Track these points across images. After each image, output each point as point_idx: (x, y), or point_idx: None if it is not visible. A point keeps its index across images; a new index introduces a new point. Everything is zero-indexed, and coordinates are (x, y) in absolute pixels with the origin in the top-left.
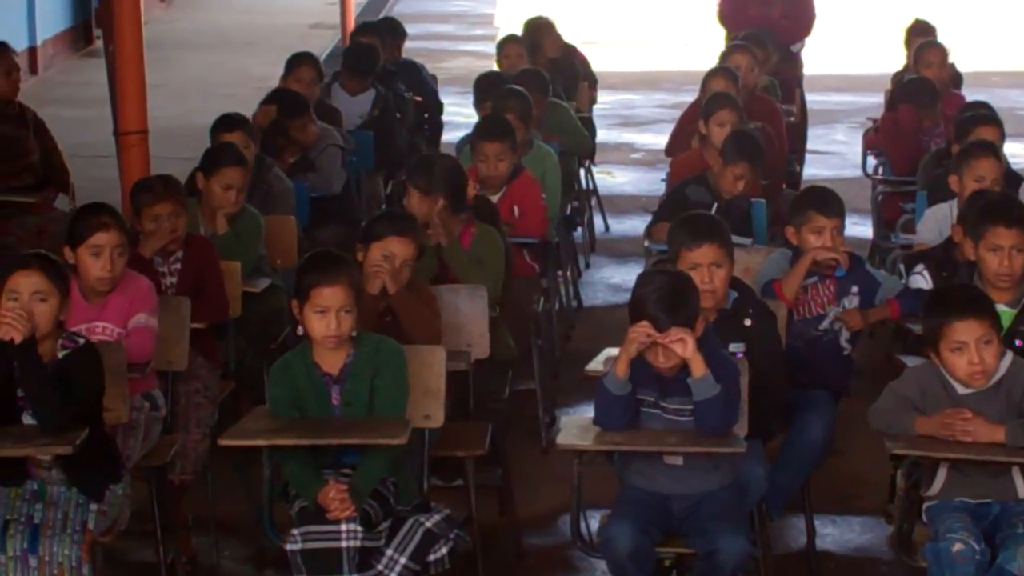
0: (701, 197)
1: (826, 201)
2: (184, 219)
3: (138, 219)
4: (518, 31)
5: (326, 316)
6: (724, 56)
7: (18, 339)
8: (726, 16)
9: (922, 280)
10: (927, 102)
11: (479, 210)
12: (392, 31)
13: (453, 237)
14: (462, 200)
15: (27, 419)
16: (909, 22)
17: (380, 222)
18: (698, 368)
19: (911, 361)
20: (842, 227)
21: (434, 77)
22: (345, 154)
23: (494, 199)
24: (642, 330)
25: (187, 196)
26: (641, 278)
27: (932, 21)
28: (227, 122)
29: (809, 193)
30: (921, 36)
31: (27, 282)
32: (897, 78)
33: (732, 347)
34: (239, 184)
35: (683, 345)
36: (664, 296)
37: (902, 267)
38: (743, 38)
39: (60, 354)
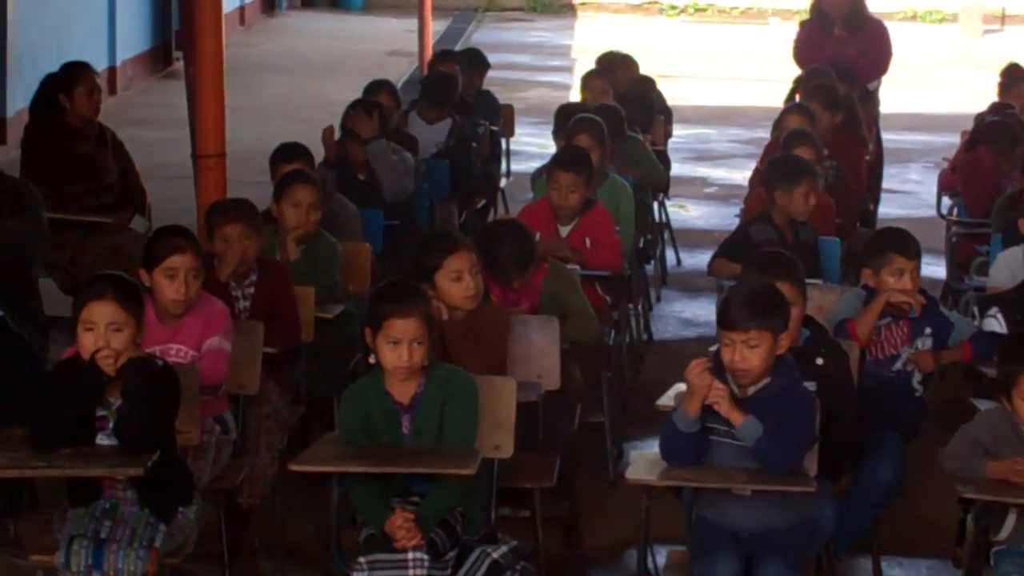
0: (765, 235)
1: (906, 243)
2: (255, 242)
3: (210, 240)
4: (595, 63)
5: (398, 347)
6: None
7: (112, 372)
8: (801, 54)
9: (996, 323)
10: (1007, 145)
11: None
12: (473, 61)
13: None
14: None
15: (101, 439)
16: (1004, 64)
17: (428, 253)
18: (735, 418)
19: (982, 404)
20: (919, 269)
21: (508, 106)
22: (416, 175)
23: (565, 230)
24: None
25: (262, 222)
26: (735, 286)
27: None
28: (286, 153)
29: (888, 235)
30: (1013, 79)
31: (102, 311)
32: (979, 119)
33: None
34: (307, 201)
35: (717, 403)
36: (748, 300)
37: (975, 309)
38: (812, 73)
39: None
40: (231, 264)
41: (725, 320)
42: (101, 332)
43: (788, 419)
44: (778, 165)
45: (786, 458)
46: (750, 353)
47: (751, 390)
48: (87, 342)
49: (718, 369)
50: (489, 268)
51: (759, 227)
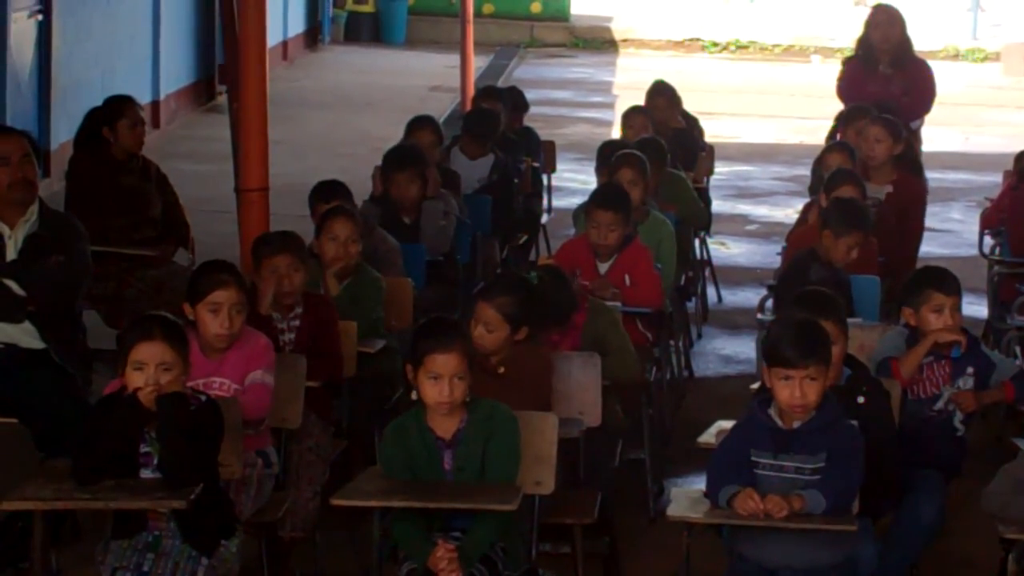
0: (819, 275)
1: (943, 279)
2: (302, 275)
3: (257, 271)
4: (636, 99)
5: (439, 382)
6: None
7: (151, 406)
8: (845, 93)
9: None
10: None
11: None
12: (515, 100)
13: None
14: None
15: (145, 474)
16: None
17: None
18: (797, 506)
19: None
20: (959, 305)
21: (550, 142)
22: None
23: (604, 267)
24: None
25: (308, 255)
26: (774, 322)
27: None
28: (324, 192)
29: (925, 273)
30: None
31: (152, 352)
32: (1021, 157)
33: None
34: (344, 234)
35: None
36: (802, 336)
37: (1017, 349)
38: (852, 110)
39: None
40: (267, 296)
41: (782, 358)
42: (152, 372)
43: (838, 454)
44: (840, 207)
45: (844, 498)
46: (809, 388)
47: (796, 423)
48: (137, 382)
49: (764, 405)
50: None
51: (816, 267)
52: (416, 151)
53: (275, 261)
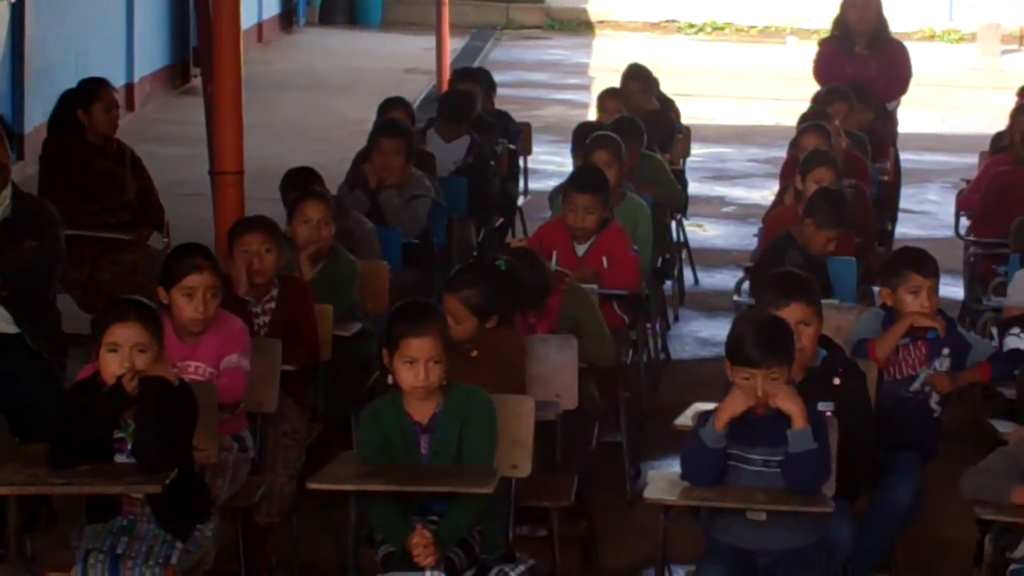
0: (795, 261)
1: (922, 261)
2: (275, 255)
3: (231, 253)
4: (613, 81)
5: (415, 367)
6: (818, 104)
7: (134, 393)
8: (822, 73)
9: (1019, 341)
10: None
11: None
12: (489, 81)
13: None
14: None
15: (120, 459)
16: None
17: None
18: (799, 420)
19: (1001, 425)
20: (936, 287)
21: (526, 124)
22: (434, 205)
23: (582, 249)
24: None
25: (283, 238)
26: (738, 318)
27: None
28: (295, 180)
29: (904, 254)
30: None
31: (127, 334)
32: (997, 138)
33: (821, 406)
34: (316, 216)
35: (787, 402)
36: (764, 336)
37: (993, 330)
38: (829, 91)
39: None
40: (242, 276)
41: (744, 357)
42: (126, 354)
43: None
44: (827, 199)
45: (817, 480)
46: (770, 387)
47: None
48: (112, 364)
49: None
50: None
51: (791, 254)
52: (408, 128)
53: (246, 240)
